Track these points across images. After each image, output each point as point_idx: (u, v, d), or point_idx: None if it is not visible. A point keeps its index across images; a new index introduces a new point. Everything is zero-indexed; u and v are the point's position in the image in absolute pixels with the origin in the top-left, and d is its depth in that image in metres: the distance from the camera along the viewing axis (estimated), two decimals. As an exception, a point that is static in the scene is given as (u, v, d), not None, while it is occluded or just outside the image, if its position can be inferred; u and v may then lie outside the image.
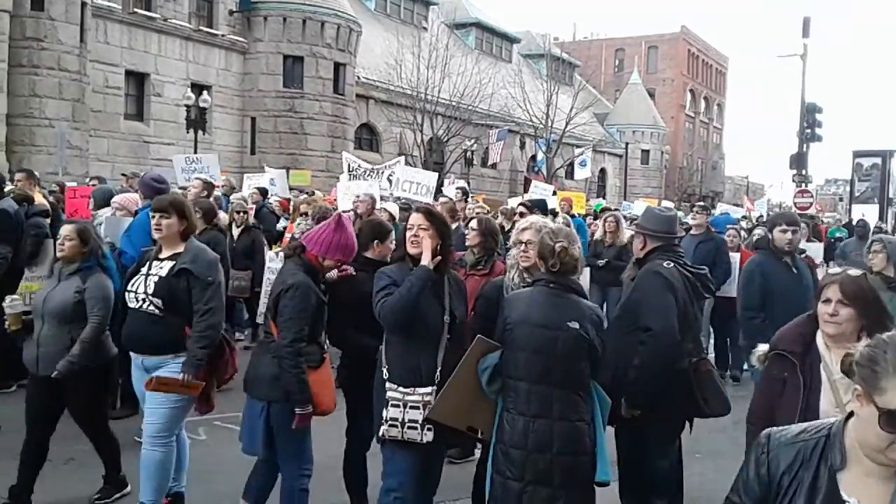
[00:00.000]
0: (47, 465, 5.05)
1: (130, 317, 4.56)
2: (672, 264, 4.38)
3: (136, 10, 26.95)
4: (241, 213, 9.75)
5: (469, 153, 35.65)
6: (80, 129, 22.73)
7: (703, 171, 69.06)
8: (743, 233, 14.70)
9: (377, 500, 4.14)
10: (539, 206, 6.20)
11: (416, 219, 4.16)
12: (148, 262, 4.60)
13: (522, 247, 4.20)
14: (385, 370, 4.01)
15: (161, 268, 4.52)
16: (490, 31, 51.49)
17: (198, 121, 25.96)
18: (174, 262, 4.50)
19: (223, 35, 30.15)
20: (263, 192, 13.60)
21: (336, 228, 4.36)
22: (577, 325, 3.65)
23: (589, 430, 3.67)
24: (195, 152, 24.86)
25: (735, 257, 9.17)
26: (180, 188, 10.51)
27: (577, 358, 3.66)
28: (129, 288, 4.56)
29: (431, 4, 46.51)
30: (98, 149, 25.03)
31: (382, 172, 15.59)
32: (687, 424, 4.63)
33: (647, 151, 59.13)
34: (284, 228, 11.25)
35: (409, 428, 3.88)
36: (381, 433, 3.94)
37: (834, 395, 3.02)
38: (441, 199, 10.97)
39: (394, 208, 10.39)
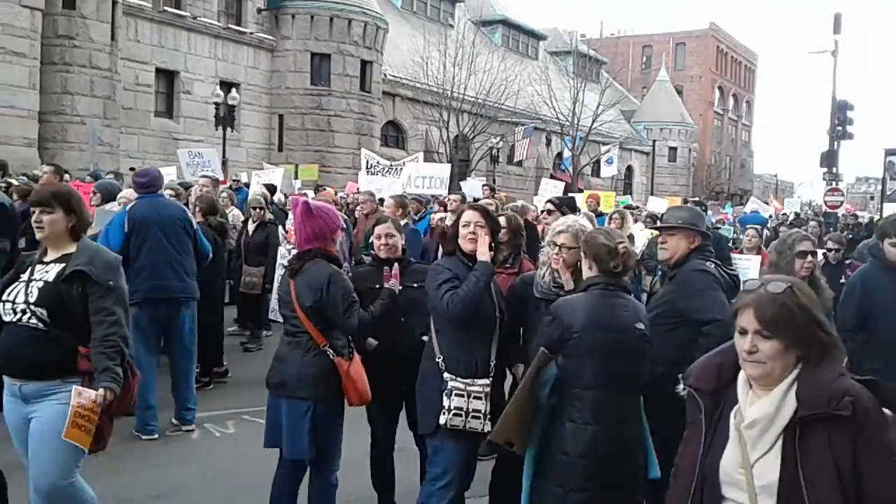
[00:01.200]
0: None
1: (6, 332, 3.73)
2: (713, 265, 4.35)
3: (166, 8, 27.26)
4: (258, 210, 9.72)
5: (495, 150, 35.65)
6: (111, 126, 23.05)
7: (731, 168, 68.46)
8: (766, 232, 14.48)
9: (423, 490, 4.15)
10: (568, 205, 6.07)
11: (472, 216, 4.19)
12: (30, 267, 3.80)
13: (556, 249, 4.16)
14: (441, 361, 4.02)
15: (47, 272, 3.74)
16: (516, 29, 51.38)
17: (226, 118, 26.24)
18: (63, 265, 3.73)
19: (251, 33, 30.40)
20: (272, 188, 13.60)
21: (303, 219, 4.29)
22: (642, 326, 3.64)
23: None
24: (224, 150, 25.18)
25: (755, 260, 8.63)
26: (179, 183, 10.49)
27: (644, 360, 3.66)
28: (3, 298, 3.74)
29: (458, 2, 46.51)
30: (129, 145, 25.37)
31: (401, 169, 15.67)
32: None
33: (675, 149, 58.67)
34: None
35: (472, 418, 3.91)
36: (442, 422, 3.92)
37: (741, 451, 2.26)
38: (452, 196, 10.68)
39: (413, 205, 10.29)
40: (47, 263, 3.78)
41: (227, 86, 28.32)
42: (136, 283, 6.04)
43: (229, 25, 29.72)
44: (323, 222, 4.27)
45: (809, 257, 4.90)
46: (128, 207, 6.44)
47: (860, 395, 2.15)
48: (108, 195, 7.43)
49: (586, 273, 3.78)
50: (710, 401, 2.39)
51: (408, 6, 43.32)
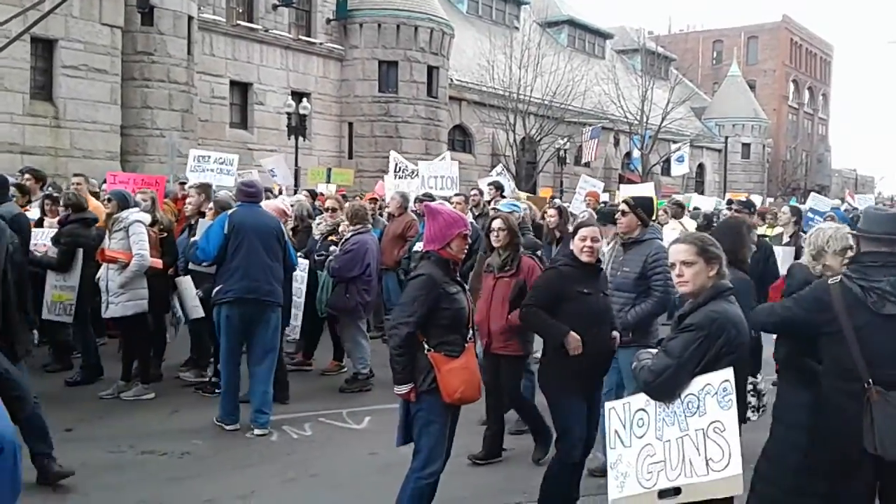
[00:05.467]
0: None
1: None
2: None
3: (239, 22, 28.00)
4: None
5: (562, 152, 35.48)
6: (188, 139, 23.77)
7: (807, 164, 66.48)
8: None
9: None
10: (643, 206, 5.95)
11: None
12: None
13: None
14: None
15: None
16: (582, 28, 51.02)
17: (298, 127, 26.81)
18: None
19: (321, 43, 30.97)
20: (314, 194, 13.66)
21: (429, 220, 4.47)
22: None
23: None
24: (296, 158, 25.75)
25: (787, 251, 8.19)
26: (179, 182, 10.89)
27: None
28: None
29: (523, 4, 46.44)
30: (205, 156, 26.13)
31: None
32: None
33: (748, 145, 57.33)
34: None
35: None
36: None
37: None
38: (454, 199, 10.24)
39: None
40: None
41: (298, 96, 28.93)
42: (230, 282, 6.59)
43: (300, 37, 30.35)
44: (438, 224, 4.39)
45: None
46: (229, 213, 6.92)
47: None
48: (124, 203, 7.59)
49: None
50: None
51: (473, 10, 43.47)
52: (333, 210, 9.10)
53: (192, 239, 7.63)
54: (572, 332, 4.66)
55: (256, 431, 6.61)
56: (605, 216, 7.30)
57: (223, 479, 5.63)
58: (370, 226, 8.64)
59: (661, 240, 5.96)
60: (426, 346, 4.28)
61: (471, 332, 4.51)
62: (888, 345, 3.64)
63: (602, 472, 4.69)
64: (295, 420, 7.00)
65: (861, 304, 3.70)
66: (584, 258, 4.77)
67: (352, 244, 8.06)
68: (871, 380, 3.62)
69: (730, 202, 16.39)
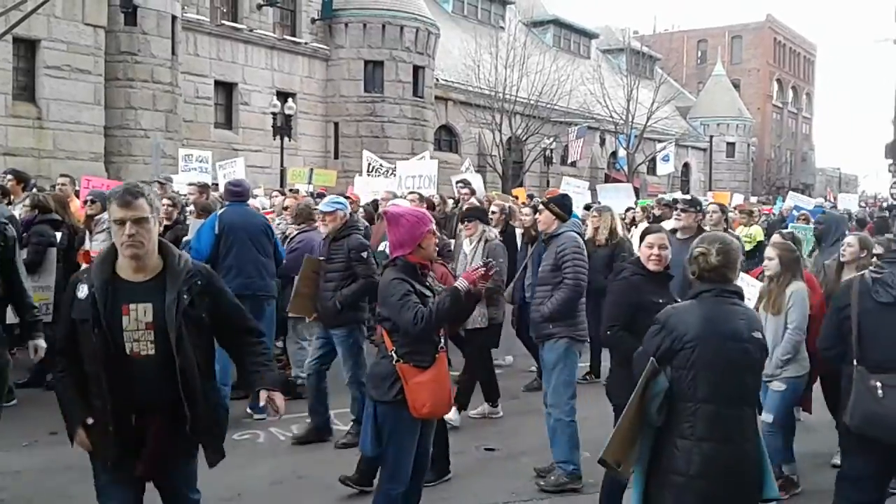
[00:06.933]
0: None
1: None
2: None
3: (223, 22, 27.87)
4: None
5: (548, 152, 35.52)
6: (173, 139, 23.65)
7: (792, 163, 66.95)
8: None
9: None
10: (557, 202, 5.94)
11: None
12: None
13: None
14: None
15: None
16: (568, 28, 51.08)
17: (284, 128, 26.70)
18: None
19: (306, 43, 30.87)
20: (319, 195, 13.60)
21: (392, 225, 4.27)
22: (760, 335, 3.46)
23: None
24: (281, 159, 25.65)
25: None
26: (165, 178, 10.88)
27: (759, 371, 3.54)
28: None
29: (508, 4, 46.47)
30: (190, 157, 25.99)
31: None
32: None
33: (733, 144, 57.54)
34: None
35: None
36: None
37: None
38: (409, 196, 10.16)
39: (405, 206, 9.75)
40: None
41: (283, 96, 28.82)
42: (224, 280, 6.46)
43: (284, 37, 30.24)
44: (401, 231, 4.21)
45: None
46: (218, 213, 7.09)
47: None
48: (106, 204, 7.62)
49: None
50: None
51: (458, 10, 43.45)
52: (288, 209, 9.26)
53: (184, 239, 7.59)
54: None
55: (256, 416, 6.96)
56: (471, 214, 7.42)
57: (209, 481, 5.48)
58: (317, 224, 8.18)
59: (578, 233, 6.02)
60: (394, 354, 4.11)
61: (442, 339, 4.27)
62: (878, 331, 4.02)
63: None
64: (282, 422, 6.94)
65: (868, 292, 4.12)
66: (652, 266, 4.51)
67: (297, 242, 7.99)
68: (857, 360, 4.06)
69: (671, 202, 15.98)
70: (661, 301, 4.22)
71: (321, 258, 6.69)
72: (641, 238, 4.77)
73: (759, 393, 4.08)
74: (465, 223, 7.43)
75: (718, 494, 3.28)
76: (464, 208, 9.08)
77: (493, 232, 7.81)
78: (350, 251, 6.37)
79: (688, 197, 7.68)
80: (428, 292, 4.19)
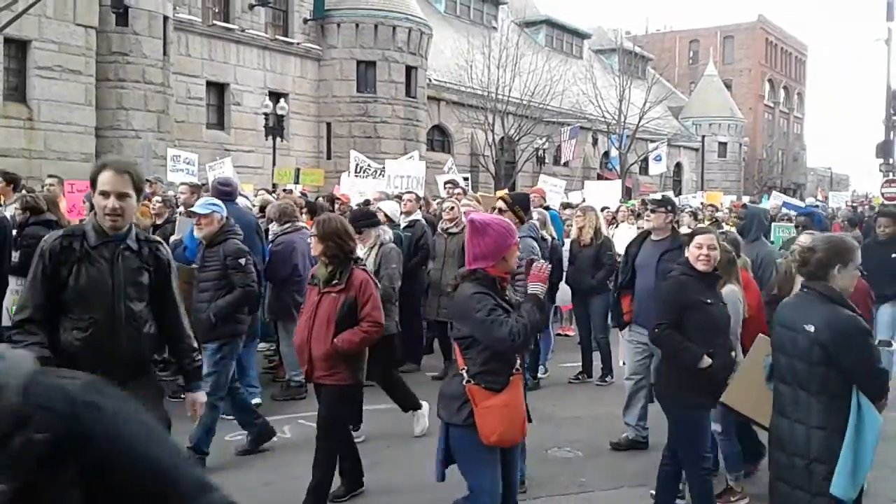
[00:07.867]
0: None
1: None
2: None
3: (215, 22, 27.82)
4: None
5: (541, 152, 35.56)
6: (164, 140, 23.59)
7: (783, 162, 67.10)
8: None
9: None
10: (520, 202, 5.92)
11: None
12: None
13: None
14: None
15: None
16: (560, 28, 51.16)
17: (276, 128, 26.65)
18: None
19: (298, 43, 30.83)
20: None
21: (476, 235, 3.92)
22: (812, 329, 3.51)
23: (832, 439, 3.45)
24: (273, 159, 25.60)
25: None
26: (156, 178, 10.87)
27: (815, 362, 3.52)
28: None
29: (501, 4, 46.49)
30: (182, 158, 25.93)
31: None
32: None
33: (725, 144, 57.71)
34: None
35: None
36: None
37: None
38: (406, 196, 9.92)
39: (392, 206, 9.17)
40: None
41: (275, 96, 28.79)
42: None
43: (276, 37, 30.20)
44: (484, 243, 3.87)
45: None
46: None
47: None
48: None
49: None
50: None
51: (451, 10, 43.46)
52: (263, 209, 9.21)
53: (175, 237, 7.52)
54: (706, 356, 4.45)
55: (255, 400, 7.14)
56: (360, 224, 6.66)
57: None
58: (300, 224, 8.10)
59: (534, 238, 5.92)
60: (465, 374, 3.83)
61: (518, 360, 3.99)
62: None
63: None
64: (274, 423, 6.93)
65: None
66: (701, 267, 4.55)
67: (278, 244, 7.78)
68: None
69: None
70: (708, 301, 4.45)
71: (194, 266, 6.22)
72: (690, 238, 4.80)
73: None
74: (359, 234, 6.16)
75: (789, 468, 3.64)
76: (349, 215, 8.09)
77: (389, 234, 7.35)
78: (226, 258, 5.93)
79: (658, 196, 7.22)
80: (507, 306, 3.87)
